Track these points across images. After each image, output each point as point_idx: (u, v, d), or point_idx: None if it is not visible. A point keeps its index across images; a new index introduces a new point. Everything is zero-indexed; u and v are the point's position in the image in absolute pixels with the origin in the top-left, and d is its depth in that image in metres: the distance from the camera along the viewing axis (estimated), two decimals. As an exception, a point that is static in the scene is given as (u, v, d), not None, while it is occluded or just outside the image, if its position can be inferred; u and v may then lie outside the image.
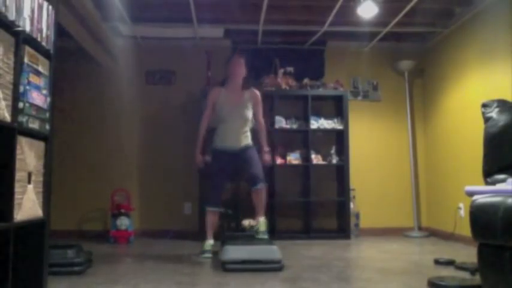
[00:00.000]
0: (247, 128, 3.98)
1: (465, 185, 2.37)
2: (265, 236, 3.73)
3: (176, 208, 5.34)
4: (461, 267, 3.26)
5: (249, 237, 3.71)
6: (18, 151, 1.95)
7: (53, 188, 2.35)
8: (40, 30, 2.19)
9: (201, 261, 3.72)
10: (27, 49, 2.05)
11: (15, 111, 1.94)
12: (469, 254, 3.69)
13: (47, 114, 2.26)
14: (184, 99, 5.48)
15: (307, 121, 5.29)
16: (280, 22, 5.04)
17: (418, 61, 5.62)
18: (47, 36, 2.27)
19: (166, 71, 5.54)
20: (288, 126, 5.30)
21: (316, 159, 5.28)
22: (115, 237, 4.78)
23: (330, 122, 5.34)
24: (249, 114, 3.95)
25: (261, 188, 3.82)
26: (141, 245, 4.69)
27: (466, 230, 3.56)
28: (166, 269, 3.30)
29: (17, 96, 1.95)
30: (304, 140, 5.35)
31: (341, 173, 5.25)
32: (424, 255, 4.12)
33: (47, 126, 2.27)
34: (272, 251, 3.30)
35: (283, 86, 5.31)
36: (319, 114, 5.36)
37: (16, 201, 1.93)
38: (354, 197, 5.31)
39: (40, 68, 2.17)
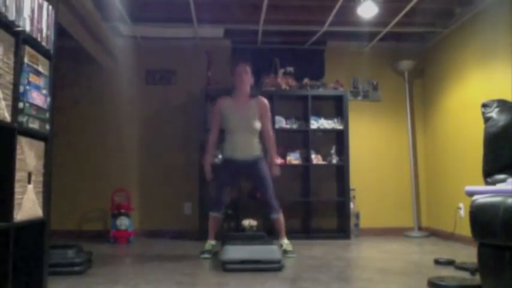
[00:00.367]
0: (257, 139, 3.93)
1: (465, 185, 2.37)
2: (294, 255, 3.80)
3: (176, 208, 5.34)
4: (461, 267, 3.26)
5: (249, 237, 3.72)
6: (18, 151, 1.95)
7: (53, 188, 2.35)
8: (40, 30, 2.19)
9: (202, 258, 3.76)
10: (27, 49, 2.05)
11: (15, 111, 1.94)
12: (469, 254, 3.69)
13: (47, 114, 2.26)
14: (184, 99, 5.48)
15: (307, 121, 5.29)
16: (280, 22, 5.04)
17: (418, 61, 5.62)
18: (47, 36, 2.27)
19: (166, 71, 5.54)
20: (288, 126, 5.30)
21: (316, 159, 5.28)
22: (115, 237, 4.78)
23: (330, 122, 5.34)
24: (258, 124, 3.89)
25: (277, 217, 3.89)
26: (141, 245, 4.69)
27: (466, 230, 3.56)
28: (166, 269, 3.30)
29: (17, 96, 1.95)
30: (304, 140, 5.35)
31: (341, 173, 5.25)
32: (424, 255, 4.12)
33: (47, 126, 2.27)
34: (272, 251, 3.30)
35: (283, 86, 5.31)
36: (319, 114, 5.36)
37: (16, 201, 1.93)
38: (353, 197, 5.31)
39: (40, 68, 2.17)
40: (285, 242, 3.92)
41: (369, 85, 5.73)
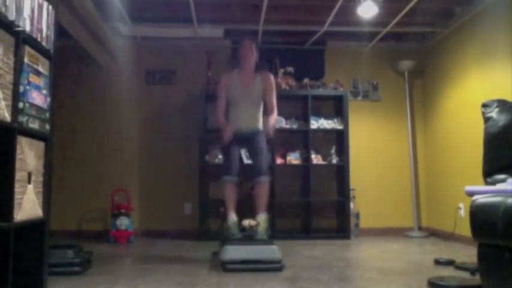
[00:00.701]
0: (259, 112, 3.88)
1: (465, 185, 2.37)
2: (265, 236, 3.58)
3: (176, 208, 5.34)
4: (461, 267, 3.26)
5: (249, 237, 3.71)
6: (18, 151, 1.95)
7: (53, 188, 2.35)
8: (40, 30, 2.19)
9: (230, 235, 3.55)
10: (27, 49, 2.05)
11: (15, 111, 1.95)
12: (469, 254, 3.69)
13: (47, 114, 2.26)
14: (184, 99, 5.48)
15: (307, 121, 5.29)
16: (280, 22, 5.04)
17: (418, 61, 5.62)
18: (47, 36, 2.27)
19: (166, 70, 5.54)
20: (288, 126, 5.30)
21: (316, 159, 5.28)
22: (115, 237, 4.78)
23: (330, 122, 5.34)
24: (261, 98, 3.85)
25: (264, 181, 3.70)
26: (141, 245, 4.69)
27: (466, 230, 3.56)
28: (166, 269, 3.30)
29: (17, 96, 1.95)
30: (304, 140, 5.35)
31: (341, 173, 5.25)
32: (424, 255, 4.12)
33: (47, 126, 2.27)
34: (272, 251, 3.30)
35: (283, 86, 5.31)
36: (319, 114, 5.36)
37: (16, 201, 1.93)
38: (354, 197, 5.31)
39: (40, 68, 2.17)
40: (262, 217, 3.70)
41: (369, 85, 5.73)
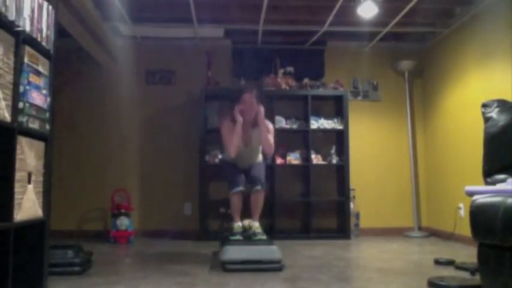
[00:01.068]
0: (259, 154, 3.95)
1: (465, 185, 2.37)
2: (264, 236, 3.68)
3: (176, 208, 5.34)
4: (461, 267, 3.26)
5: (249, 237, 3.70)
6: (18, 151, 1.95)
7: (53, 188, 2.35)
8: (40, 30, 2.19)
9: (233, 239, 3.62)
10: (27, 49, 2.05)
11: (15, 111, 1.95)
12: (469, 254, 3.69)
13: (47, 114, 2.26)
14: (184, 99, 5.48)
15: (307, 121, 5.29)
16: (280, 22, 5.04)
17: (418, 61, 5.62)
18: (47, 36, 2.27)
19: (166, 71, 5.54)
20: (288, 126, 5.30)
21: (316, 159, 5.28)
22: (115, 237, 4.78)
23: (330, 122, 5.34)
24: (260, 149, 3.92)
25: (260, 190, 3.75)
26: (141, 245, 4.69)
27: (466, 230, 3.56)
28: (166, 269, 3.30)
29: (17, 96, 1.95)
30: (304, 140, 5.35)
31: (341, 173, 5.25)
32: (424, 255, 4.12)
33: (47, 126, 2.27)
34: (272, 251, 3.30)
35: (283, 86, 5.31)
36: (319, 114, 5.36)
37: (16, 201, 1.93)
38: (353, 197, 5.31)
39: (40, 68, 2.17)
40: (256, 224, 3.77)
41: (369, 85, 5.73)
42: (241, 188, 3.77)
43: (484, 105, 2.64)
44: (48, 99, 2.26)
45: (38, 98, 2.14)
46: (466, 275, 3.06)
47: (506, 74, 3.97)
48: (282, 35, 5.40)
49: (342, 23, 4.95)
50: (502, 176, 2.39)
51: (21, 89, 1.98)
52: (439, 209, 5.29)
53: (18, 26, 1.96)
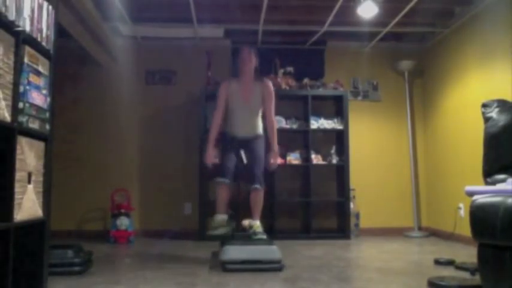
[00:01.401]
0: (258, 119, 3.89)
1: (465, 185, 2.37)
2: (264, 236, 3.67)
3: (176, 208, 5.34)
4: (461, 267, 3.26)
5: (249, 237, 3.71)
6: (18, 151, 1.95)
7: (53, 188, 2.35)
8: (40, 30, 2.19)
9: (212, 234, 3.63)
10: (27, 49, 2.05)
11: (15, 111, 1.94)
12: (469, 254, 3.69)
13: (47, 114, 2.26)
14: (184, 99, 5.48)
15: (307, 121, 5.29)
16: (280, 22, 5.04)
17: (418, 61, 5.62)
18: (47, 36, 2.27)
19: (166, 71, 5.54)
20: (288, 126, 5.30)
21: (316, 159, 5.28)
22: (115, 237, 4.78)
23: (330, 122, 5.34)
24: (260, 105, 3.86)
25: (258, 188, 3.73)
26: (141, 245, 4.69)
27: (466, 230, 3.56)
28: (166, 269, 3.30)
29: (17, 96, 1.95)
30: (304, 140, 5.35)
31: (341, 173, 5.25)
32: (424, 255, 4.12)
33: (47, 126, 2.27)
34: (272, 251, 3.30)
35: (283, 86, 5.31)
36: (319, 114, 5.36)
37: (16, 201, 1.93)
38: (353, 197, 5.31)
39: (40, 68, 2.17)
40: (256, 224, 3.76)
41: (369, 85, 5.73)
42: (227, 181, 3.74)
43: (484, 105, 2.64)
44: (48, 99, 2.25)
45: (38, 98, 2.14)
46: (466, 275, 3.06)
47: (506, 74, 3.97)
48: (282, 35, 5.40)
49: (342, 23, 4.95)
50: (502, 176, 2.39)
51: (21, 89, 1.98)
52: (439, 209, 5.29)
53: (18, 26, 1.96)
